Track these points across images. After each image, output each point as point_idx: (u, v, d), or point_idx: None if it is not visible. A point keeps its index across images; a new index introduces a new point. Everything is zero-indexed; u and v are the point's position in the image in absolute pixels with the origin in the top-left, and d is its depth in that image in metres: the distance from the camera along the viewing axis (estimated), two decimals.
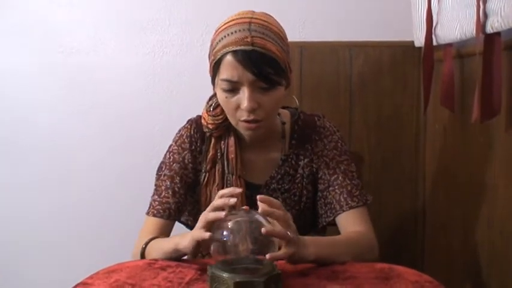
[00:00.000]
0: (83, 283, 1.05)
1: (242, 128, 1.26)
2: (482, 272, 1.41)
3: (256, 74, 1.17)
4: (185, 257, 1.23)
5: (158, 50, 1.96)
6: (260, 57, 1.17)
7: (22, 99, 2.01)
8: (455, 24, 1.39)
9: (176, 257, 1.20)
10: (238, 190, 1.11)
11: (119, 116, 1.99)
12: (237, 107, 1.22)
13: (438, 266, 1.75)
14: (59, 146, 2.02)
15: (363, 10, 1.87)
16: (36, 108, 2.01)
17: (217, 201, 1.08)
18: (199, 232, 1.07)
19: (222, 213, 1.04)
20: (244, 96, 1.19)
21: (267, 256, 1.01)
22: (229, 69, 1.19)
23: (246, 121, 1.23)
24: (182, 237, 1.17)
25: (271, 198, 1.09)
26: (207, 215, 1.07)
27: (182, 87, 1.97)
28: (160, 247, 1.22)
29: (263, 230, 1.00)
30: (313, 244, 1.14)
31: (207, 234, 1.04)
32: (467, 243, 1.50)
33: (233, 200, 1.06)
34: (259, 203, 1.06)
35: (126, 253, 1.27)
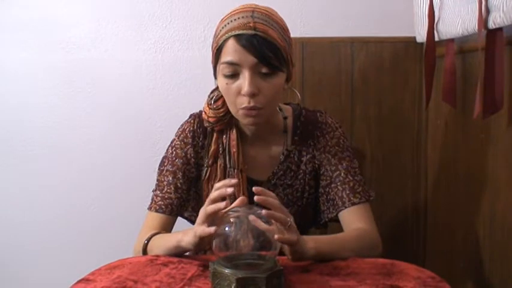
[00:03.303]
0: (85, 279, 1.06)
1: (242, 116, 1.25)
2: (484, 267, 1.41)
3: (258, 58, 1.18)
4: (187, 253, 1.23)
5: (160, 45, 1.95)
6: (262, 41, 1.19)
7: (22, 97, 2.00)
8: (457, 20, 1.39)
9: (178, 253, 1.20)
10: (234, 180, 1.09)
11: (120, 112, 1.99)
12: (238, 93, 1.22)
13: (439, 262, 1.75)
14: (59, 145, 2.02)
15: (364, 6, 1.87)
16: (36, 106, 2.00)
17: (213, 194, 1.07)
18: (202, 228, 1.07)
19: (222, 204, 1.03)
20: (244, 81, 1.20)
21: (276, 236, 1.00)
22: (231, 52, 1.20)
23: (245, 108, 1.22)
24: (184, 234, 1.17)
25: (265, 190, 1.09)
26: (206, 209, 1.06)
27: (184, 83, 1.96)
28: (163, 244, 1.22)
29: (264, 211, 1.01)
30: (312, 240, 1.15)
31: (212, 229, 1.03)
32: (468, 239, 1.50)
33: (230, 190, 1.05)
34: (256, 197, 1.05)
35: (129, 255, 1.26)
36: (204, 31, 1.93)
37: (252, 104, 1.21)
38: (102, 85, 1.98)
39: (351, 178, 1.33)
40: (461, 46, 1.48)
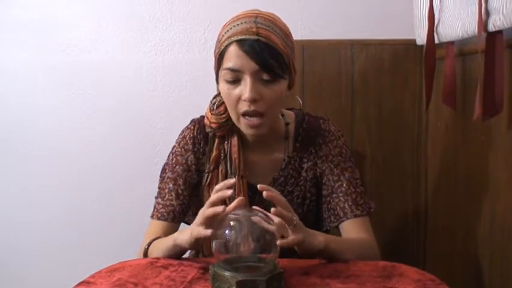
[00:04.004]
0: (85, 282, 1.06)
1: (244, 126, 1.25)
2: (484, 269, 1.41)
3: (260, 64, 1.18)
4: (186, 255, 1.23)
5: (160, 47, 1.95)
6: (264, 47, 1.18)
7: (22, 97, 2.01)
8: (457, 22, 1.39)
9: (176, 252, 1.20)
10: (232, 180, 1.11)
11: (120, 114, 1.99)
12: (239, 98, 1.21)
13: (439, 263, 1.75)
14: (60, 146, 2.02)
15: (364, 8, 1.87)
16: (36, 107, 2.00)
17: (213, 197, 1.08)
18: (198, 229, 1.07)
19: (220, 208, 1.03)
20: (246, 86, 1.19)
21: (278, 242, 1.01)
22: (233, 58, 1.19)
23: (247, 113, 1.22)
24: (180, 232, 1.18)
25: (270, 187, 1.10)
26: (205, 211, 1.07)
27: (184, 85, 1.96)
28: (161, 245, 1.23)
29: (272, 209, 1.02)
30: (322, 235, 1.16)
31: (208, 232, 1.04)
32: (468, 241, 1.50)
33: (229, 192, 1.06)
34: (264, 193, 1.06)
35: (129, 255, 1.27)
36: (205, 33, 1.93)
37: (252, 108, 1.21)
38: (103, 87, 1.99)
39: (353, 190, 1.33)
40: (461, 49, 1.48)
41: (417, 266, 1.15)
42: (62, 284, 1.10)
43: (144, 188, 1.95)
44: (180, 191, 1.34)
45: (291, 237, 1.06)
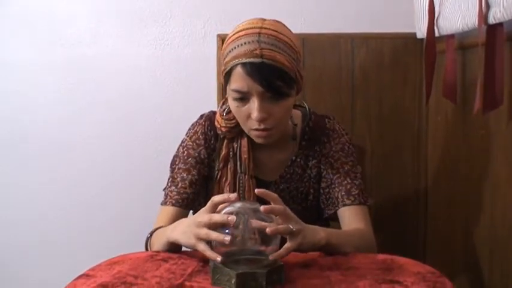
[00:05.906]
0: (85, 274, 1.06)
1: (254, 136, 1.28)
2: (484, 264, 1.41)
3: (265, 86, 1.18)
4: (188, 249, 1.23)
5: (160, 41, 1.95)
6: (269, 69, 1.17)
7: (22, 93, 2.01)
8: (458, 15, 1.39)
9: (173, 247, 1.19)
10: (233, 196, 1.07)
11: (120, 109, 1.99)
12: (248, 116, 1.23)
13: (440, 258, 1.75)
14: (59, 141, 2.02)
15: (364, 1, 1.87)
16: (36, 103, 2.00)
17: (215, 216, 1.04)
18: (204, 248, 1.04)
19: (228, 238, 1.00)
20: (254, 107, 1.20)
21: (270, 257, 1.01)
22: (238, 80, 1.20)
23: (257, 130, 1.24)
24: (173, 231, 1.15)
25: (268, 192, 1.09)
26: (209, 233, 1.03)
27: (184, 79, 1.96)
28: (158, 239, 1.23)
29: (268, 230, 1.00)
30: (323, 230, 1.16)
31: (218, 259, 1.00)
32: (469, 236, 1.50)
33: (232, 220, 1.01)
34: (262, 207, 1.04)
35: (129, 251, 1.26)
36: (204, 27, 1.92)
37: (262, 127, 1.23)
38: (102, 81, 1.98)
39: (349, 181, 1.34)
40: (461, 42, 1.48)
41: (417, 260, 1.14)
42: (62, 283, 1.10)
43: (144, 183, 1.96)
44: (194, 179, 1.35)
45: (285, 247, 1.04)
